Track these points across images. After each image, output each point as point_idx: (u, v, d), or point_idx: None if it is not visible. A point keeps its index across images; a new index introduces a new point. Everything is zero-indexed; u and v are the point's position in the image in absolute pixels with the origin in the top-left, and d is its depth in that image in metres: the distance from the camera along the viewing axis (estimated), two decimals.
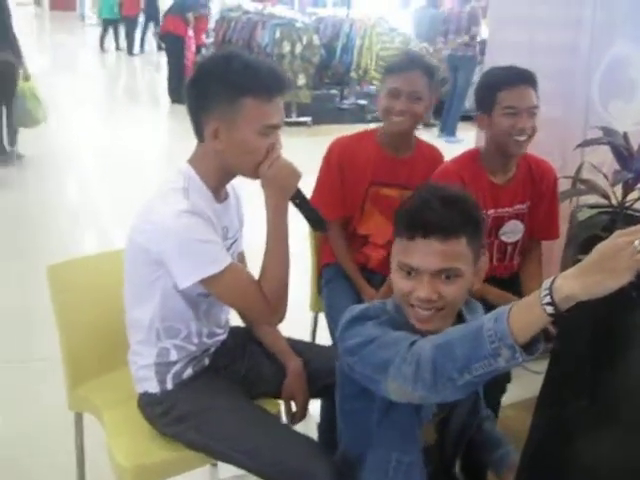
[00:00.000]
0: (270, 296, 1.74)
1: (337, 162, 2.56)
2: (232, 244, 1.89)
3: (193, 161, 1.78)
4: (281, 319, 1.83)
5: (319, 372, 2.02)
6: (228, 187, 1.88)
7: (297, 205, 1.79)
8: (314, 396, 2.07)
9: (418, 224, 1.41)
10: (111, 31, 16.38)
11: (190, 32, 10.10)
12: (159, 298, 1.77)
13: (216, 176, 1.78)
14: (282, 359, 2.02)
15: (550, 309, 1.14)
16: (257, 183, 1.76)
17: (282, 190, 1.73)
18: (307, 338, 2.69)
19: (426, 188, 1.51)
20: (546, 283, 1.17)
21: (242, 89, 1.65)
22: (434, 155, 2.66)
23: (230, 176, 1.82)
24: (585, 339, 1.29)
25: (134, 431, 1.89)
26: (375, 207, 2.58)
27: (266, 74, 1.67)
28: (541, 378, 1.38)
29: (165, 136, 8.94)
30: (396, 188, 2.55)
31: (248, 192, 1.99)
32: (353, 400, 1.58)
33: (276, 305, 1.76)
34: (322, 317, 2.66)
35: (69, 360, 2.03)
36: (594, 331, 1.27)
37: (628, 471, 1.26)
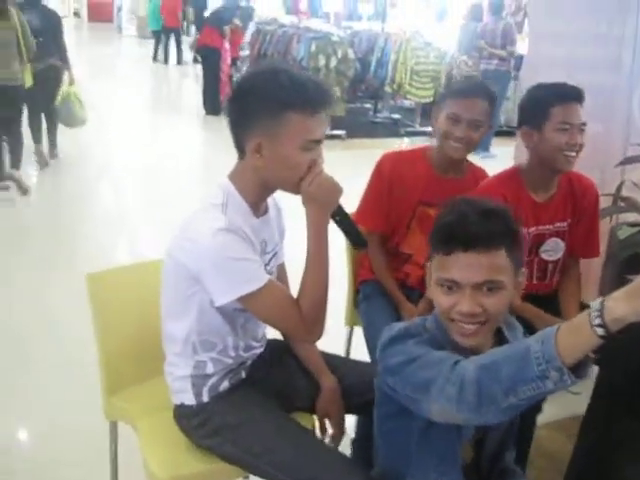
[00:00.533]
0: (307, 315, 1.72)
1: (388, 176, 2.53)
2: (271, 258, 1.89)
3: (233, 176, 1.77)
4: (318, 338, 1.81)
5: (354, 388, 2.00)
6: (269, 200, 1.87)
7: (337, 222, 1.77)
8: (348, 412, 2.05)
9: (457, 238, 1.40)
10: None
11: (226, 45, 10.17)
12: (196, 313, 1.77)
13: (256, 192, 1.77)
14: (317, 376, 2.01)
15: (601, 331, 1.12)
16: (299, 197, 1.75)
17: (324, 206, 1.72)
18: (342, 352, 2.67)
19: (461, 202, 1.49)
20: (596, 304, 1.15)
21: (287, 103, 1.64)
22: (482, 176, 2.63)
23: (270, 191, 1.81)
24: (633, 364, 1.27)
25: (169, 442, 1.89)
26: (420, 226, 2.54)
27: (312, 89, 1.66)
28: (577, 398, 1.35)
29: (199, 147, 9.00)
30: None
31: (290, 205, 1.99)
32: (392, 419, 1.57)
33: (313, 324, 1.75)
34: (357, 332, 2.64)
35: (106, 368, 2.04)
36: None
37: None
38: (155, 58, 16.93)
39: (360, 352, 2.47)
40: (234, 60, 11.16)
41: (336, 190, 1.73)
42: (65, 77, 6.62)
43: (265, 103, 1.66)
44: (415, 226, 2.56)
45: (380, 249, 2.58)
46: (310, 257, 1.75)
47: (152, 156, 7.65)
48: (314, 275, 1.74)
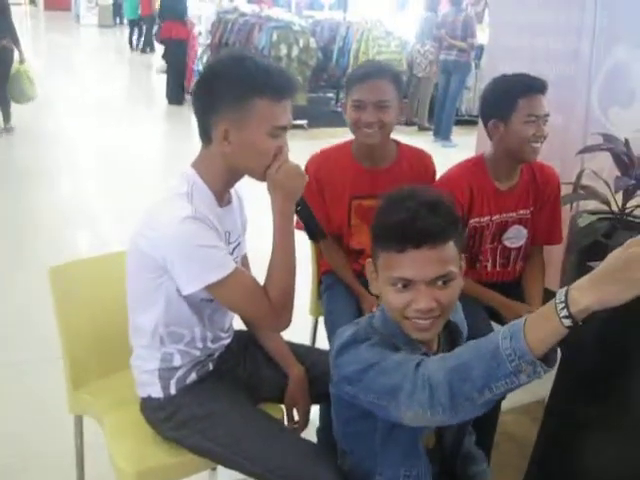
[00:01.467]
0: (275, 302, 1.72)
1: (315, 179, 2.47)
2: (235, 248, 1.88)
3: (197, 165, 1.76)
4: (286, 326, 1.81)
5: (320, 377, 2.00)
6: (231, 191, 1.87)
7: (298, 212, 1.78)
8: (315, 401, 2.06)
9: (409, 236, 1.37)
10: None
11: (195, 32, 10.12)
12: (163, 303, 1.75)
13: (221, 180, 1.76)
14: (284, 366, 2.01)
15: (568, 322, 1.14)
16: (262, 186, 1.74)
17: (289, 194, 1.73)
18: (307, 342, 2.68)
19: (406, 197, 1.44)
20: (560, 296, 1.16)
21: (254, 89, 1.64)
22: (420, 158, 2.61)
23: (235, 179, 1.81)
24: (596, 347, 1.29)
25: (135, 435, 1.88)
26: (362, 220, 2.52)
27: (277, 75, 1.67)
28: (541, 382, 1.36)
29: (161, 137, 8.94)
30: (379, 199, 2.52)
31: (253, 195, 1.98)
32: (354, 423, 1.57)
33: (281, 311, 1.75)
34: (322, 322, 2.65)
35: (70, 363, 2.01)
36: (605, 340, 1.27)
37: (635, 478, 1.27)
38: (131, 46, 17.58)
39: (325, 343, 2.48)
40: None
41: (301, 178, 1.74)
42: (16, 56, 7.07)
43: (232, 90, 1.65)
44: (357, 221, 2.55)
45: (332, 247, 2.56)
46: (276, 245, 1.75)
47: (112, 145, 7.56)
48: (281, 262, 1.75)
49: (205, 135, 1.72)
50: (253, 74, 1.65)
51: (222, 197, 1.81)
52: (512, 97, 2.31)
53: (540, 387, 1.35)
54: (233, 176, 1.78)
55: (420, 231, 1.37)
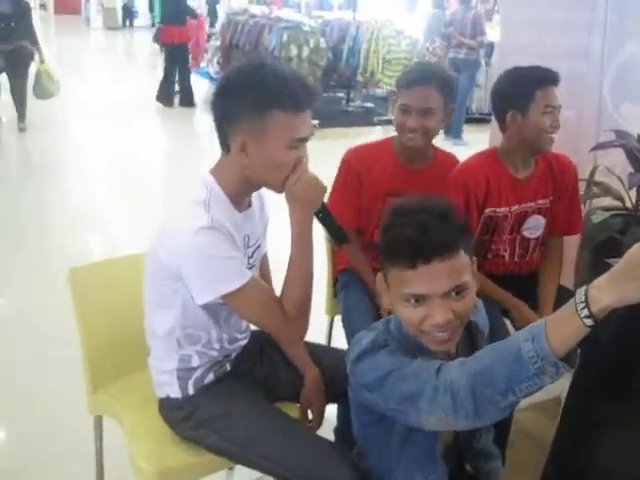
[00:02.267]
0: (290, 313, 1.71)
1: (355, 170, 2.54)
2: (254, 251, 1.88)
3: (216, 171, 1.76)
4: (301, 337, 1.81)
5: (337, 377, 2.01)
6: (253, 194, 1.86)
7: (319, 218, 1.77)
8: (331, 401, 2.07)
9: (421, 251, 1.33)
10: None
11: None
12: (179, 308, 1.76)
13: (239, 187, 1.75)
14: (300, 367, 2.02)
15: (589, 321, 1.14)
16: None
17: (308, 205, 1.70)
18: (323, 341, 2.70)
19: (415, 209, 1.39)
20: (580, 295, 1.16)
21: (272, 101, 1.61)
22: (453, 163, 2.64)
23: (254, 188, 1.80)
24: (613, 345, 1.30)
25: (155, 435, 1.89)
26: None
27: (297, 86, 1.63)
28: (558, 380, 1.37)
29: (158, 138, 9.01)
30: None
31: (274, 196, 1.98)
32: (373, 426, 1.57)
33: (296, 323, 1.73)
34: (337, 321, 2.66)
35: (89, 363, 2.04)
36: (622, 337, 1.28)
37: None
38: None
39: (341, 341, 2.49)
40: None
41: (320, 189, 1.71)
42: (36, 57, 7.63)
43: (250, 101, 1.63)
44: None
45: (356, 244, 2.57)
46: (293, 256, 1.73)
47: (121, 147, 7.69)
48: (298, 274, 1.73)
49: (224, 144, 1.72)
50: (272, 85, 1.61)
51: (241, 202, 1.80)
52: (530, 88, 2.32)
53: (556, 385, 1.35)
54: (251, 185, 1.77)
55: (431, 246, 1.33)
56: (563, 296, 2.36)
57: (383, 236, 1.42)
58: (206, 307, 1.76)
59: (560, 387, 2.52)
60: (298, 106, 1.63)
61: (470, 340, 1.60)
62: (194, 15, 10.62)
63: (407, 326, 1.43)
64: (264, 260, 2.05)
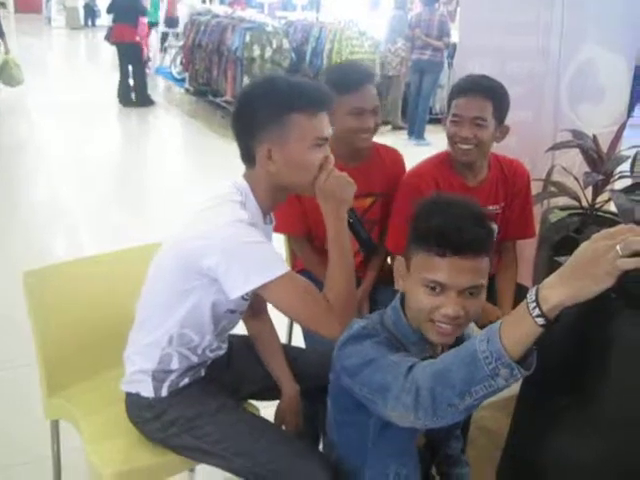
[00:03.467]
0: (335, 306, 1.69)
1: None
2: None
3: (248, 179, 1.78)
4: (342, 332, 1.75)
5: (297, 376, 2.04)
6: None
7: (350, 224, 1.80)
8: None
9: (452, 243, 1.39)
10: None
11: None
12: (189, 306, 1.75)
13: (269, 197, 1.78)
14: (278, 381, 2.03)
15: (541, 320, 1.15)
16: None
17: (340, 201, 1.74)
18: (284, 341, 2.69)
19: (454, 204, 1.47)
20: (531, 295, 1.17)
21: (289, 106, 1.67)
22: (393, 157, 2.66)
23: (282, 198, 1.83)
24: (565, 341, 1.32)
25: (113, 438, 1.88)
26: None
27: (310, 89, 1.70)
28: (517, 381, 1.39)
29: (116, 137, 8.97)
30: (356, 197, 2.54)
31: None
32: (349, 413, 1.58)
33: (340, 315, 1.68)
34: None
35: (45, 368, 2.01)
36: (574, 333, 1.30)
37: (604, 466, 1.29)
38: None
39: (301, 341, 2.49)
40: None
41: (350, 185, 1.76)
42: (2, 48, 8.40)
43: (268, 110, 1.68)
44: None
45: (307, 249, 2.55)
46: (333, 249, 1.75)
47: (70, 151, 7.61)
48: (339, 266, 1.74)
49: (248, 158, 1.75)
50: (286, 91, 1.68)
51: (267, 214, 1.84)
52: (450, 96, 2.38)
53: (515, 383, 1.37)
54: (281, 194, 1.81)
55: (464, 240, 1.38)
56: (523, 295, 2.39)
57: (417, 220, 1.47)
58: (215, 312, 1.78)
59: (519, 385, 2.57)
60: (315, 107, 1.69)
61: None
62: (144, 13, 10.51)
63: (417, 311, 1.46)
64: None
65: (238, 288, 1.62)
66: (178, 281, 1.73)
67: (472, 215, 1.43)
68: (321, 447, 2.06)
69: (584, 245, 1.14)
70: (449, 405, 1.25)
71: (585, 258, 1.13)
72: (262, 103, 1.70)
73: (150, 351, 1.83)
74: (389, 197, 2.58)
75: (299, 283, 1.70)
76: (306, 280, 1.75)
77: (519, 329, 1.18)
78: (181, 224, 1.74)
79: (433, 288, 1.42)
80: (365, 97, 2.38)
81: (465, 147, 2.34)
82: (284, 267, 1.65)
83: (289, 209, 2.49)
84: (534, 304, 1.16)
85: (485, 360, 1.19)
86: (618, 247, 1.10)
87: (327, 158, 1.73)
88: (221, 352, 1.99)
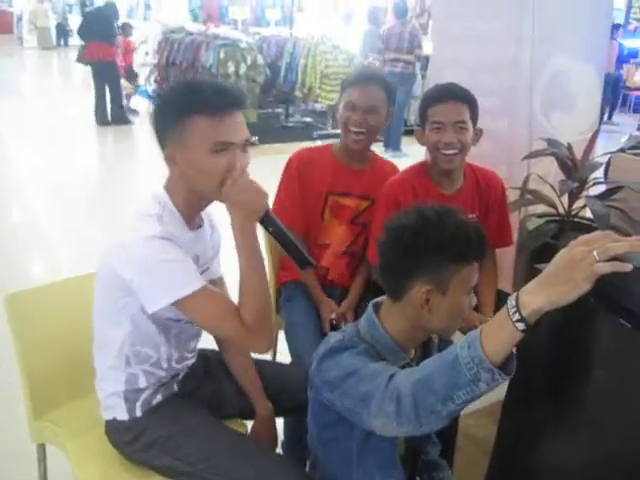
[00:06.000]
0: (251, 321, 1.63)
1: (296, 172, 2.60)
2: (203, 272, 1.82)
3: (167, 187, 1.76)
4: (268, 346, 1.75)
5: (283, 392, 2.04)
6: (203, 215, 1.85)
7: (272, 233, 1.70)
8: (278, 415, 2.09)
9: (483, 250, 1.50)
10: None
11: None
12: (129, 323, 1.74)
13: (187, 202, 1.74)
14: (252, 400, 2.02)
15: (521, 325, 1.18)
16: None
17: (248, 211, 1.64)
18: (268, 357, 2.69)
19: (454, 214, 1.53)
20: (511, 301, 1.20)
21: (187, 109, 1.62)
22: (390, 169, 2.72)
23: (201, 201, 1.77)
24: (547, 346, 1.34)
25: (100, 460, 1.87)
26: (334, 216, 2.63)
27: (212, 91, 1.64)
28: (500, 384, 1.41)
29: (93, 158, 8.86)
30: (354, 198, 2.63)
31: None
32: (331, 428, 1.58)
33: (258, 330, 1.65)
34: (282, 335, 2.66)
35: (30, 391, 1.99)
36: (555, 337, 1.32)
37: (591, 469, 1.31)
38: None
39: (286, 356, 2.50)
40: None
41: (260, 194, 1.65)
42: None
43: (168, 113, 1.67)
44: (329, 216, 2.64)
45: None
46: (243, 262, 1.67)
47: (45, 172, 7.53)
48: (251, 281, 1.67)
49: (166, 159, 1.72)
50: (186, 94, 1.65)
51: (192, 219, 1.79)
52: (425, 105, 2.44)
53: (500, 389, 1.39)
54: (197, 198, 1.75)
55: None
56: (503, 301, 2.42)
57: (457, 243, 1.46)
58: (156, 322, 1.75)
59: (504, 392, 2.58)
60: (216, 110, 1.63)
61: (423, 345, 1.67)
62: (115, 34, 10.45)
63: (458, 317, 1.53)
64: (221, 285, 2.01)
65: (152, 303, 1.62)
66: (112, 299, 1.73)
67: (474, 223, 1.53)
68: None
69: (562, 252, 1.17)
70: (431, 412, 1.27)
71: (563, 264, 1.16)
72: (164, 107, 1.69)
73: (114, 374, 1.82)
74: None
75: (215, 298, 1.66)
76: (223, 295, 1.74)
77: (500, 334, 1.21)
78: (107, 244, 1.73)
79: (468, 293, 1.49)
80: (361, 93, 2.48)
81: (450, 152, 2.37)
82: (197, 283, 1.61)
83: (288, 199, 2.60)
84: (514, 309, 1.19)
85: (466, 366, 1.22)
86: (595, 252, 1.13)
87: (233, 164, 1.64)
88: (189, 362, 1.97)
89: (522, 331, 1.18)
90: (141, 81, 11.85)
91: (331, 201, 2.62)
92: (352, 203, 2.63)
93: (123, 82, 10.80)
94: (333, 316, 2.51)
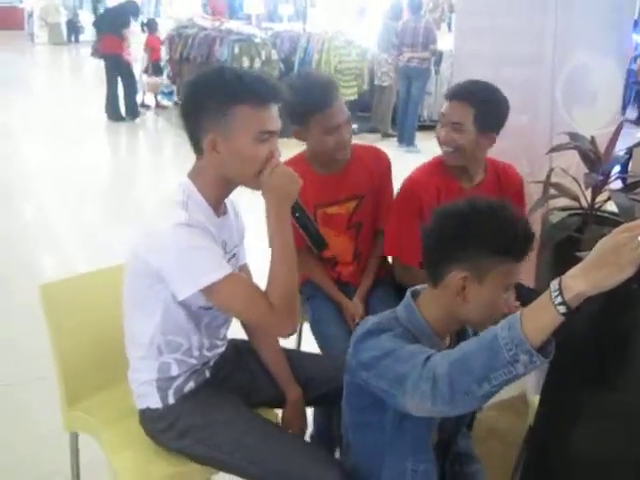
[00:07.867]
0: (278, 305, 1.68)
1: None
2: (230, 259, 1.88)
3: (192, 175, 1.78)
4: (292, 330, 1.79)
5: (313, 381, 2.05)
6: (227, 202, 1.88)
7: (297, 218, 1.78)
8: (307, 404, 2.10)
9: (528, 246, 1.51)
10: None
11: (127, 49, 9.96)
12: (161, 312, 1.76)
13: (216, 189, 1.77)
14: (282, 386, 2.04)
15: (563, 309, 1.20)
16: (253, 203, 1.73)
17: (284, 197, 1.71)
18: (293, 347, 2.71)
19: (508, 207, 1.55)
20: (554, 285, 1.22)
21: (233, 97, 1.66)
22: (373, 154, 2.65)
23: (230, 188, 1.81)
24: (588, 331, 1.35)
25: (135, 448, 1.89)
26: (329, 228, 2.52)
27: (257, 81, 1.68)
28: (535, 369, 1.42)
29: (104, 153, 8.86)
30: (341, 203, 2.56)
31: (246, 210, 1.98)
32: (364, 412, 1.60)
33: (285, 315, 1.70)
34: (306, 328, 2.67)
35: (64, 380, 2.03)
36: (597, 323, 1.34)
37: (628, 459, 1.33)
38: None
39: (311, 347, 2.51)
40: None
41: (295, 181, 1.73)
42: None
43: (213, 100, 1.67)
44: (324, 229, 2.44)
45: (309, 258, 2.50)
46: (274, 247, 1.73)
47: (57, 167, 7.58)
48: (280, 264, 1.72)
49: (196, 147, 1.75)
50: (231, 82, 1.67)
51: (218, 207, 1.82)
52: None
53: (520, 382, 1.41)
54: (227, 186, 1.79)
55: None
56: (523, 294, 2.43)
57: (499, 235, 1.48)
58: (188, 311, 1.78)
59: (524, 384, 2.60)
60: (259, 100, 1.67)
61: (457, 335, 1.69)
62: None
63: (491, 311, 1.53)
64: (245, 271, 2.05)
65: (184, 289, 1.66)
66: (142, 288, 1.76)
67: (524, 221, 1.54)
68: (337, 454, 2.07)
69: (605, 238, 1.20)
70: (466, 392, 1.29)
71: (607, 249, 1.19)
72: (207, 94, 1.69)
73: (146, 364, 1.85)
74: (377, 194, 2.60)
75: (241, 284, 1.72)
76: (250, 281, 1.78)
77: (540, 317, 1.23)
78: (136, 233, 1.76)
79: (506, 290, 1.52)
80: (338, 112, 2.36)
81: (444, 149, 2.43)
82: (226, 269, 1.66)
83: None
84: (557, 292, 1.21)
85: (506, 346, 1.23)
86: (639, 237, 1.15)
87: (272, 152, 1.70)
88: (220, 350, 1.99)
89: (563, 314, 1.20)
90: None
91: (320, 214, 2.53)
92: (341, 209, 2.55)
93: (151, 79, 10.85)
94: (357, 319, 2.48)
